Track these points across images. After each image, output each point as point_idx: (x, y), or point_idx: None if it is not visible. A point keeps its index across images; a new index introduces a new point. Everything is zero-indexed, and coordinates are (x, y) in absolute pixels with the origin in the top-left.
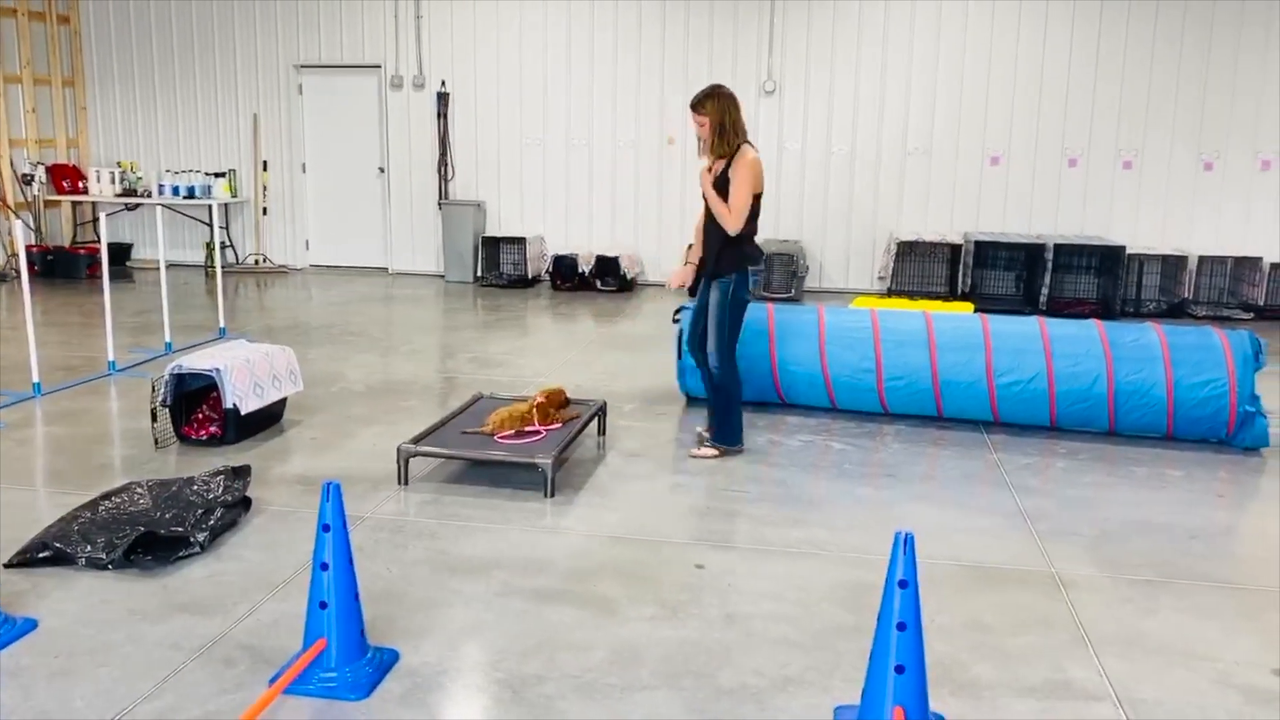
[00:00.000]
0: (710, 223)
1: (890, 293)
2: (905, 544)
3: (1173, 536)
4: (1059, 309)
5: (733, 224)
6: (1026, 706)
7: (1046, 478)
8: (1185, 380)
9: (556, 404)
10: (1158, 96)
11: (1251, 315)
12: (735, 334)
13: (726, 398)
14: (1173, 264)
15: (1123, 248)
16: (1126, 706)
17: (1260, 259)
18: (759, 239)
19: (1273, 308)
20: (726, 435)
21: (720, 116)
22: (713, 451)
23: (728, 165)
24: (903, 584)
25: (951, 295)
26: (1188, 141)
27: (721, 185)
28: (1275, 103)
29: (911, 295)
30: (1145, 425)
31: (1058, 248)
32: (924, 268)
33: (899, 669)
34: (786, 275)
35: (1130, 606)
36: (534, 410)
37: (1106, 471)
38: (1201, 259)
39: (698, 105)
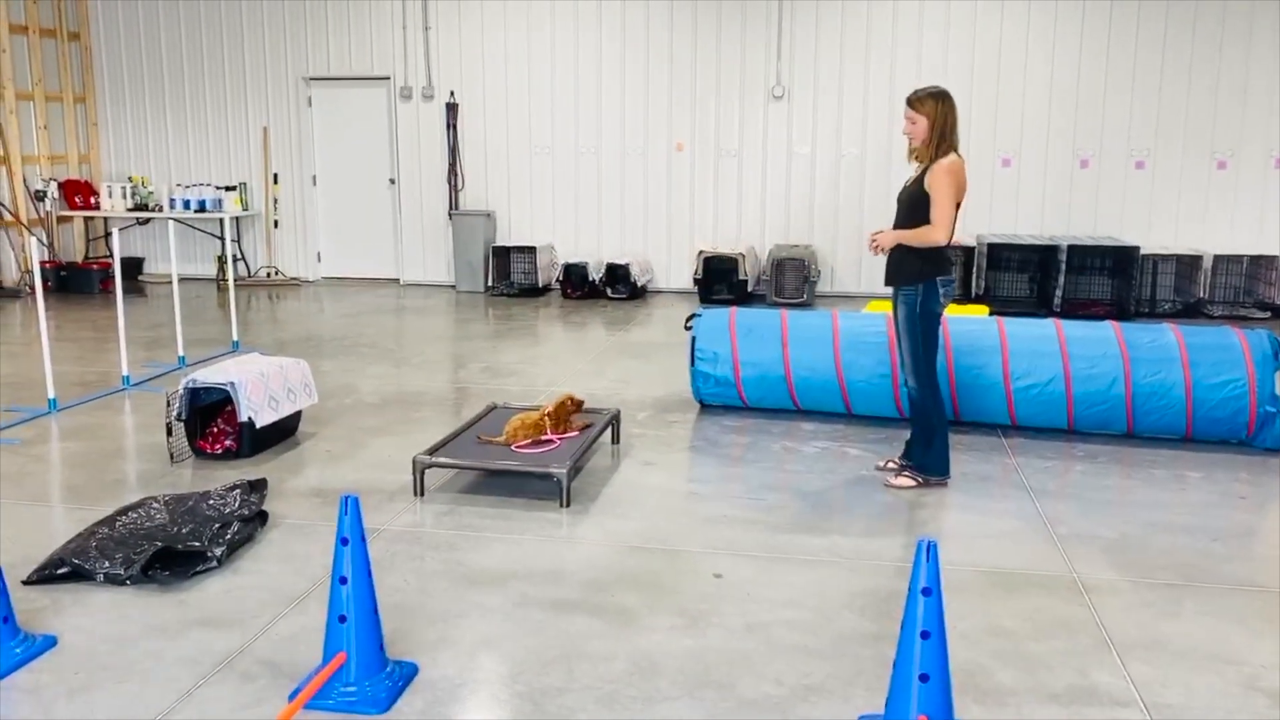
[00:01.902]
0: (897, 226)
1: None
2: (928, 551)
3: (1194, 539)
4: (1073, 311)
5: (940, 235)
6: (1052, 713)
7: (1065, 481)
8: (1204, 381)
9: (567, 412)
10: (1169, 96)
11: (1268, 314)
12: (931, 351)
13: (927, 422)
14: (1187, 264)
15: (1137, 248)
16: (1153, 711)
17: (1276, 257)
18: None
19: None
20: (929, 463)
21: (942, 120)
22: (911, 481)
23: (923, 173)
24: (926, 591)
25: (965, 298)
26: (1200, 140)
27: (916, 195)
28: None
29: None
30: (1164, 427)
31: (1071, 249)
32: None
33: (923, 677)
34: (799, 280)
35: (1153, 610)
36: (546, 419)
37: (1126, 474)
38: (1216, 258)
39: (916, 101)
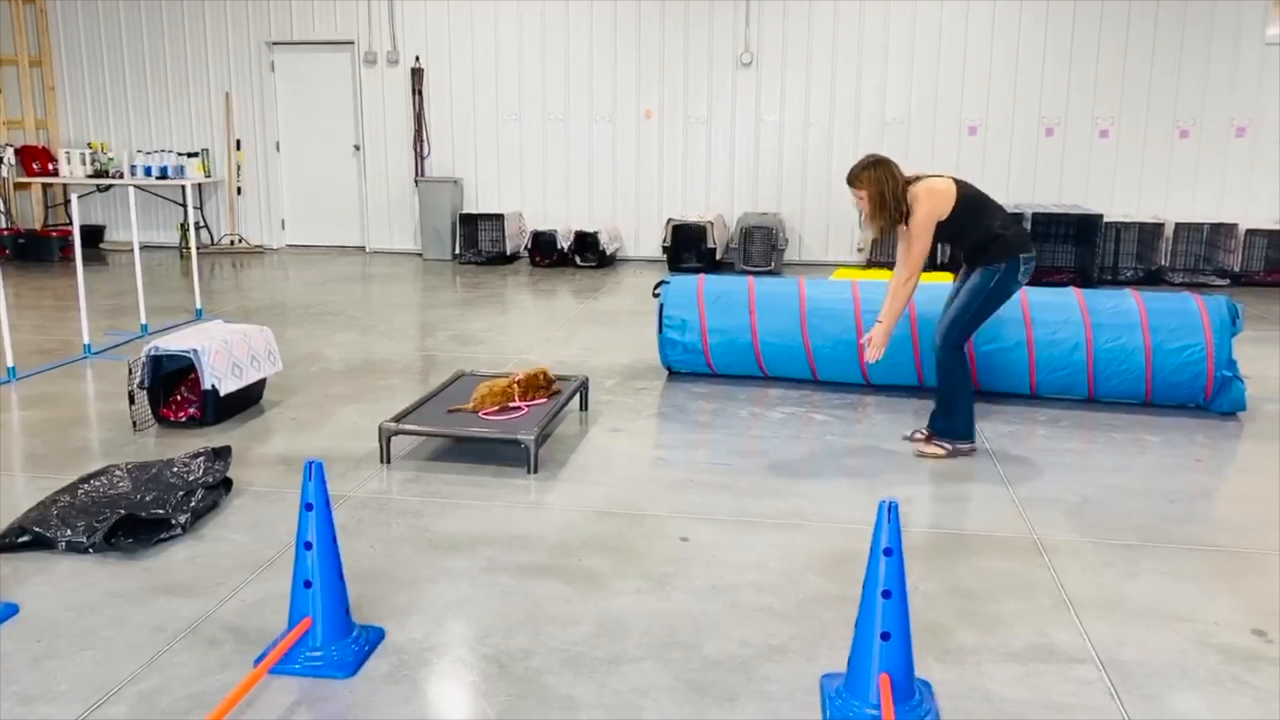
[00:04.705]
0: (954, 235)
1: (870, 264)
2: (889, 512)
3: (1152, 501)
4: (1037, 278)
5: (904, 274)
6: (1010, 671)
7: (1027, 445)
8: (1164, 346)
9: (537, 384)
10: (1134, 65)
11: (1227, 281)
12: (977, 323)
13: (951, 388)
14: (1149, 232)
15: (1100, 216)
16: (1109, 668)
17: (1235, 225)
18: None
19: (1248, 274)
20: (954, 429)
21: (879, 188)
22: (940, 449)
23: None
24: (887, 552)
25: (931, 266)
26: (1163, 109)
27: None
28: (1250, 69)
29: (891, 266)
30: (1124, 391)
31: (1035, 217)
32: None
33: (884, 636)
34: (766, 248)
35: (1111, 570)
36: (514, 386)
37: (1086, 438)
38: (1178, 226)
39: (854, 179)
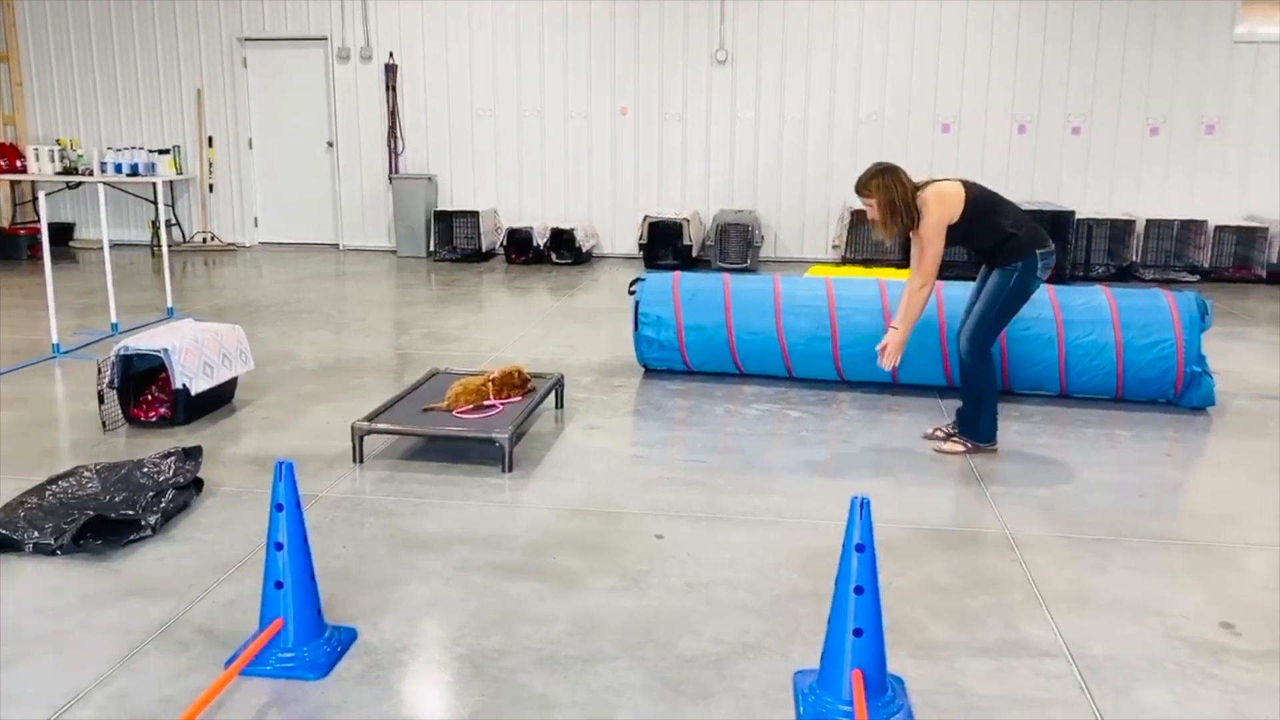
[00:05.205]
0: (966, 237)
1: (845, 261)
2: (861, 508)
3: (1122, 495)
4: None
5: (919, 281)
6: (982, 665)
7: (1000, 440)
8: (1134, 342)
9: (512, 383)
10: (1105, 62)
11: (1197, 277)
12: (1001, 324)
13: (976, 390)
14: (1121, 228)
15: (1072, 213)
16: (1078, 661)
17: (1205, 222)
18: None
19: (1218, 269)
20: (977, 430)
21: (888, 195)
22: (960, 447)
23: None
24: (859, 548)
25: (905, 263)
26: (1134, 107)
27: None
28: (1219, 67)
29: (866, 263)
30: (1095, 387)
31: None
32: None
33: (857, 632)
34: (742, 245)
35: (1082, 565)
36: (489, 384)
37: (1058, 433)
38: (1148, 223)
39: (862, 188)
